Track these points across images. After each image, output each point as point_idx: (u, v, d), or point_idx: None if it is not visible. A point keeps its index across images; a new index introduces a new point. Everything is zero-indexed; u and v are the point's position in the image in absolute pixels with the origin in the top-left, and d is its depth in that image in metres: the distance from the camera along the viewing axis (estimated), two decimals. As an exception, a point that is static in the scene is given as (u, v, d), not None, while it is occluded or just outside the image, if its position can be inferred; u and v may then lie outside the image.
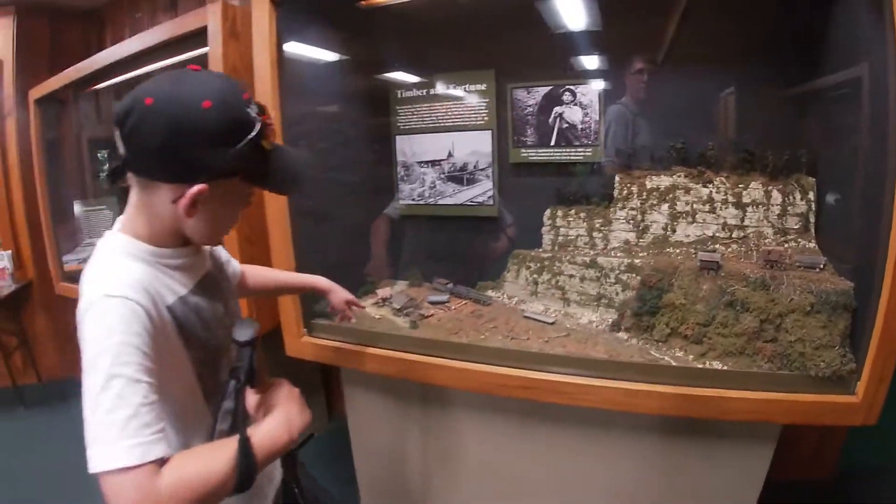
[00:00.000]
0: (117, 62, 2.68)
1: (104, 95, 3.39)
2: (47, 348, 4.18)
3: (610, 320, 1.92)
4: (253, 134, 0.89)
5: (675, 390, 1.55)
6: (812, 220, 1.83)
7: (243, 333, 0.96)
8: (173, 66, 2.46)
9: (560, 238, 2.10)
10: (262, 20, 1.84)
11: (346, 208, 2.32)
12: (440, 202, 2.23)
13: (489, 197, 2.15)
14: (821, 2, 1.62)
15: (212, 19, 2.10)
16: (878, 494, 2.57)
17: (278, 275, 1.64)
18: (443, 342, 1.83)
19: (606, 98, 2.00)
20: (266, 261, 1.88)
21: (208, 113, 0.85)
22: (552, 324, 1.90)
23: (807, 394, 1.48)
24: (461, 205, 2.20)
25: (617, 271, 1.94)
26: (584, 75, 2.03)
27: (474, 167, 2.14)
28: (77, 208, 3.29)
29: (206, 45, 2.15)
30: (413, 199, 2.30)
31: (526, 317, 1.95)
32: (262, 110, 0.93)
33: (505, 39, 2.06)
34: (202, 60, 2.16)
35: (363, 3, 1.93)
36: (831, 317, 1.55)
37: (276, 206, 1.90)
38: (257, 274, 1.50)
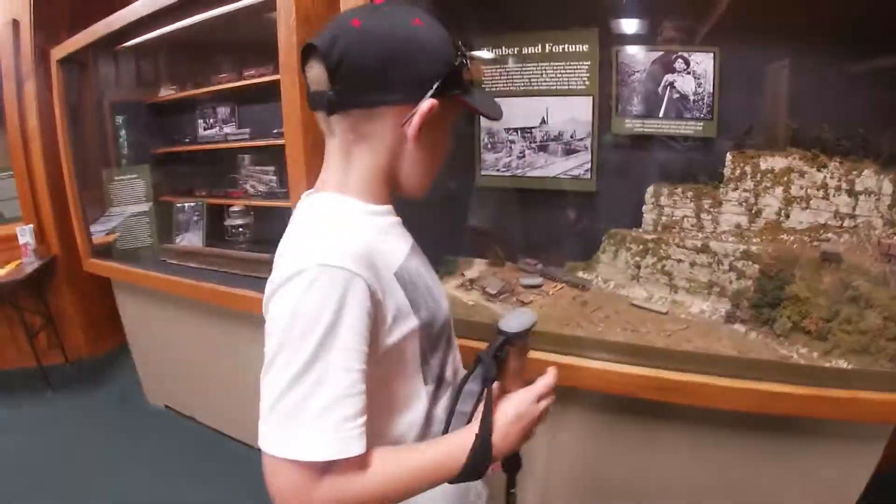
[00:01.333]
0: (158, 11, 2.46)
1: (131, 54, 3.24)
2: (74, 327, 4.07)
3: (723, 311, 1.77)
4: (461, 57, 0.83)
5: (807, 391, 1.45)
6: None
7: (514, 324, 0.87)
8: (231, 13, 2.36)
9: (664, 218, 1.93)
10: None
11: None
12: (529, 174, 2.04)
13: (586, 170, 1.97)
14: None
15: None
16: None
17: None
18: (568, 337, 1.67)
19: (722, 69, 1.82)
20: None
21: (421, 29, 0.80)
22: (665, 314, 1.74)
23: None
24: (554, 177, 2.01)
25: (731, 257, 1.79)
26: (700, 41, 1.85)
27: (571, 136, 1.96)
28: (105, 177, 3.12)
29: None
30: (498, 170, 2.11)
31: (634, 305, 1.79)
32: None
33: None
34: (267, 6, 2.02)
35: None
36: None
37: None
38: None
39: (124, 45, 2.97)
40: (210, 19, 2.45)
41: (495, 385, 0.89)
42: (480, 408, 0.85)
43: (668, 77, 1.85)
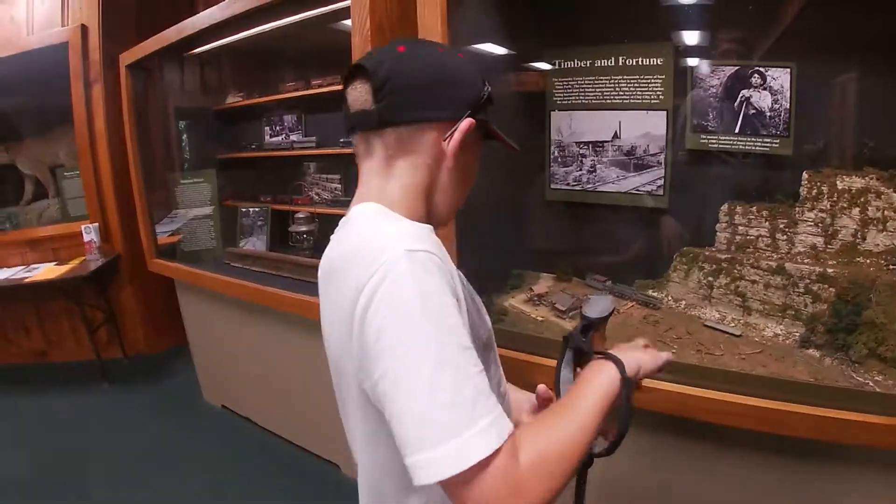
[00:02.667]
0: (229, 19, 2.54)
1: (199, 60, 3.37)
2: (134, 323, 4.26)
3: (797, 334, 1.76)
4: (487, 88, 0.91)
5: (882, 420, 1.41)
6: None
7: (596, 310, 0.98)
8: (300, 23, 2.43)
9: (738, 237, 1.92)
10: None
11: (488, 191, 2.19)
12: (600, 188, 2.06)
13: (658, 186, 1.97)
14: None
15: None
16: None
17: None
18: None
19: (798, 85, 1.81)
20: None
21: (461, 59, 0.92)
22: (739, 336, 1.75)
23: None
24: (625, 193, 2.02)
25: (807, 280, 1.77)
26: (777, 57, 1.84)
27: (644, 151, 1.97)
28: (172, 180, 3.26)
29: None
30: (568, 184, 2.13)
31: (707, 326, 1.80)
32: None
33: (688, 9, 1.91)
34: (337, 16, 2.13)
35: None
36: None
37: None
38: None
39: (192, 51, 3.09)
40: (279, 28, 2.52)
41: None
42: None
43: (745, 92, 1.85)
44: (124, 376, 4.03)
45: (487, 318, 0.99)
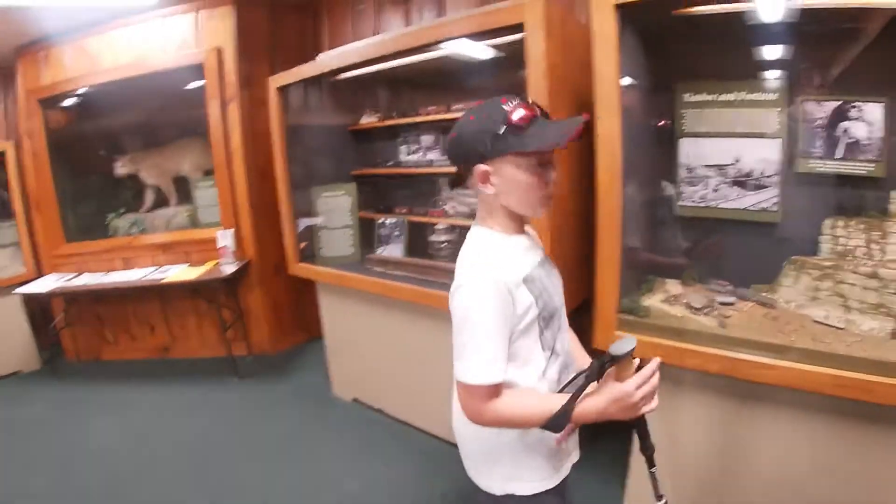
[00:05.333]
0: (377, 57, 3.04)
1: (337, 83, 3.78)
2: (259, 324, 4.82)
3: (890, 328, 2.27)
4: (501, 126, 1.33)
5: None
6: None
7: (618, 348, 1.30)
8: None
9: (839, 247, 2.45)
10: (605, 24, 2.18)
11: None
12: (722, 205, 2.58)
13: (774, 203, 2.51)
14: None
15: (531, 14, 2.36)
16: None
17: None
18: (767, 343, 2.19)
19: (887, 116, 2.31)
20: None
21: (470, 123, 1.38)
22: (842, 329, 2.27)
23: None
24: (744, 209, 2.54)
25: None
26: (871, 92, 2.34)
27: (761, 174, 2.51)
28: (314, 192, 3.84)
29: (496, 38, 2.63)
30: (693, 202, 2.65)
31: (815, 321, 2.33)
32: (520, 103, 1.36)
33: (797, 53, 2.41)
34: (513, 53, 2.54)
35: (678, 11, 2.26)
36: None
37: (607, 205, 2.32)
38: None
39: (336, 77, 3.56)
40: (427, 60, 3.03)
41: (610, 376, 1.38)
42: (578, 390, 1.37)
43: (844, 124, 2.37)
44: (252, 373, 4.56)
45: (557, 298, 1.55)
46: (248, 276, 4.68)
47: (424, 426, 3.53)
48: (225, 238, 4.44)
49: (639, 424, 1.53)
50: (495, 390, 1.35)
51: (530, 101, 1.39)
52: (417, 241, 3.63)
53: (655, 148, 2.69)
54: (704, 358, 2.20)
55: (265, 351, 4.89)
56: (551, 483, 1.59)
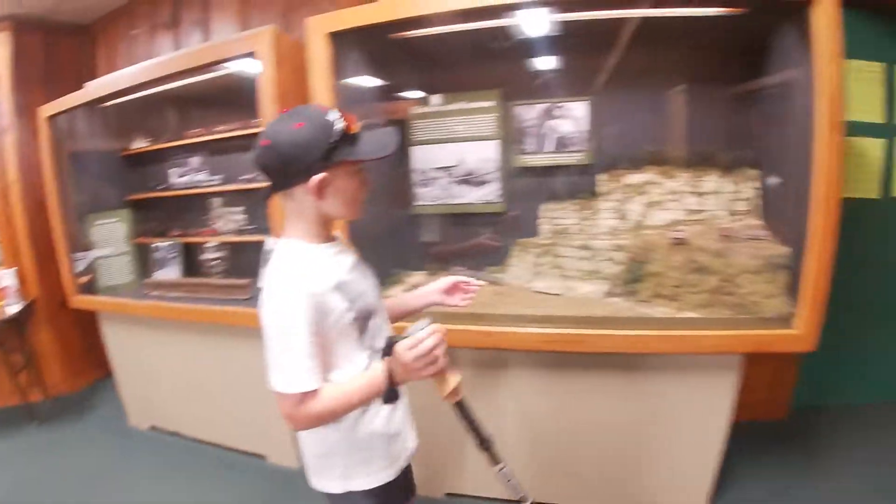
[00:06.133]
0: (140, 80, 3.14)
1: (108, 110, 3.75)
2: (52, 364, 4.57)
3: (604, 290, 2.65)
4: (335, 134, 1.33)
5: (664, 333, 2.27)
6: (757, 202, 2.58)
7: (416, 328, 1.39)
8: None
9: (556, 227, 2.80)
10: (319, 51, 2.44)
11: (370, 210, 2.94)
12: (452, 202, 2.90)
13: (498, 195, 2.84)
14: (758, 23, 2.32)
15: (262, 45, 2.63)
16: (825, 428, 3.46)
17: (403, 299, 1.92)
18: (489, 315, 2.48)
19: (591, 113, 2.73)
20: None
21: (301, 130, 1.31)
22: (559, 295, 2.62)
23: (760, 330, 2.23)
24: (472, 203, 2.88)
25: (607, 251, 2.65)
26: (572, 94, 2.74)
27: (483, 171, 2.83)
28: (87, 221, 3.76)
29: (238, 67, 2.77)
30: (427, 201, 2.96)
31: (537, 291, 2.66)
32: (341, 113, 1.38)
33: (510, 63, 2.75)
34: (242, 81, 2.76)
35: (392, 36, 2.52)
36: (774, 274, 2.31)
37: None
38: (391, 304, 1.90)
39: (104, 103, 3.55)
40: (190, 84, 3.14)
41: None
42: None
43: (551, 122, 2.74)
44: (51, 416, 4.28)
45: (373, 300, 1.55)
46: (35, 315, 4.46)
47: (219, 440, 3.62)
48: (6, 278, 4.24)
49: (463, 411, 1.58)
50: (311, 395, 1.36)
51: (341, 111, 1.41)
52: (194, 261, 3.70)
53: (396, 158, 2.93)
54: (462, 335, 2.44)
55: (62, 392, 4.63)
56: (388, 475, 1.62)
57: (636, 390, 2.52)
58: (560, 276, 2.74)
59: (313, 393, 1.36)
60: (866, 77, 3.19)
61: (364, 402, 1.44)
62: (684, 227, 2.62)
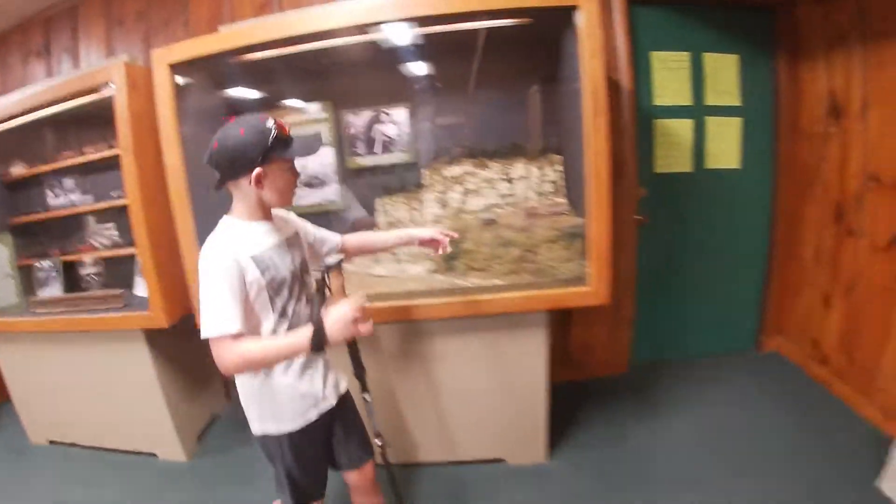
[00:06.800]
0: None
1: None
2: None
3: (430, 269, 3.08)
4: (271, 137, 1.67)
5: (475, 298, 2.74)
6: (561, 183, 3.07)
7: (330, 260, 1.98)
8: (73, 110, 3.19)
9: (390, 218, 3.21)
10: (162, 80, 2.70)
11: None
12: (302, 203, 3.25)
13: (337, 195, 3.25)
14: (547, 28, 2.66)
15: (116, 76, 2.84)
16: (660, 380, 4.00)
17: (380, 236, 2.47)
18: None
19: (412, 117, 3.16)
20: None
21: (243, 137, 1.65)
22: (392, 276, 3.04)
23: (559, 289, 2.72)
24: (317, 204, 3.26)
25: (431, 235, 3.08)
26: (395, 101, 3.17)
27: (324, 174, 3.22)
28: None
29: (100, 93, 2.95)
30: (279, 205, 3.32)
31: (375, 276, 3.08)
32: (276, 122, 1.71)
33: (339, 78, 3.15)
34: (102, 106, 2.95)
35: (233, 60, 2.76)
36: (571, 242, 2.80)
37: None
38: (357, 239, 2.39)
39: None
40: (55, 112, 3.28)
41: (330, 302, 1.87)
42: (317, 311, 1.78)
43: (378, 127, 3.16)
44: None
45: (284, 271, 1.83)
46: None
47: (113, 445, 3.78)
48: None
49: (352, 349, 2.11)
50: (234, 340, 1.61)
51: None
52: (75, 277, 3.86)
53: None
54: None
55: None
56: (297, 424, 1.93)
57: (471, 353, 2.96)
58: (394, 261, 3.13)
59: (238, 337, 1.63)
60: (674, 66, 3.76)
61: (285, 356, 1.72)
62: (497, 209, 3.12)
